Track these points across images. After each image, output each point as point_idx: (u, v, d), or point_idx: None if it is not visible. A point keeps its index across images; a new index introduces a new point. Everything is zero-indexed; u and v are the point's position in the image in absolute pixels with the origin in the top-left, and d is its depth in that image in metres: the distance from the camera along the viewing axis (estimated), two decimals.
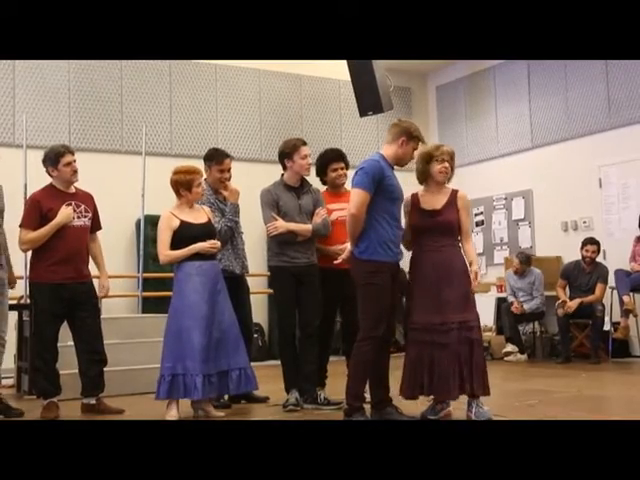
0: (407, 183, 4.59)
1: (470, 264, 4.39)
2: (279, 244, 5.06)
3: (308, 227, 5.05)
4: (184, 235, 4.72)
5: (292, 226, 5.02)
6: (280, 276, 5.10)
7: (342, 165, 5.32)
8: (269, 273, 5.47)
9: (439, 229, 4.39)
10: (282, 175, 5.21)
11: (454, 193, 4.50)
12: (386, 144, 4.42)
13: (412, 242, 4.47)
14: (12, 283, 5.41)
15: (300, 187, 5.17)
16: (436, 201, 4.45)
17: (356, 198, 4.19)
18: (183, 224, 4.73)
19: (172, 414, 4.64)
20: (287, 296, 5.06)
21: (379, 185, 4.20)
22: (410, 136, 4.35)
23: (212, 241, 4.82)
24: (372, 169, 4.21)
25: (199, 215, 4.85)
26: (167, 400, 4.69)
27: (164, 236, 4.73)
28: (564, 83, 9.06)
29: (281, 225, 5.00)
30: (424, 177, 4.50)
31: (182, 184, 4.77)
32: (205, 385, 4.58)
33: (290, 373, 5.07)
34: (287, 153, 5.14)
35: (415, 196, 4.51)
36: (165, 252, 4.73)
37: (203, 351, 4.58)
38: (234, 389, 4.81)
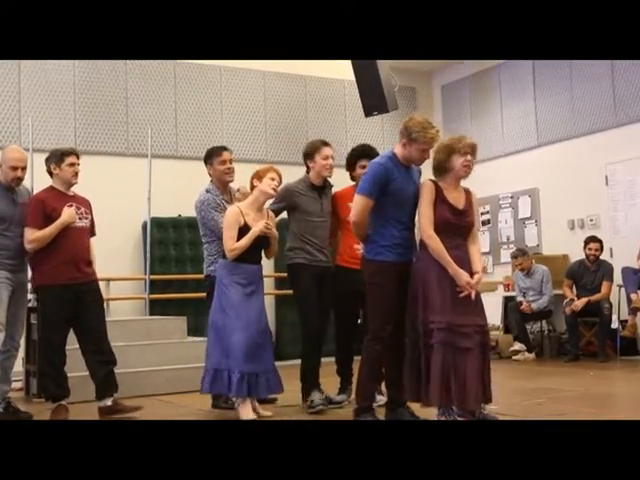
0: None
1: (475, 270, 4.11)
2: (300, 240, 5.07)
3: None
4: (240, 237, 4.67)
5: None
6: (302, 274, 5.08)
7: None
8: (289, 272, 5.27)
9: (462, 230, 4.16)
10: (307, 172, 5.22)
11: (468, 192, 4.28)
12: (397, 142, 4.24)
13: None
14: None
15: (323, 187, 5.19)
16: (457, 199, 4.18)
17: (357, 204, 4.16)
18: (245, 227, 4.65)
19: (247, 413, 4.62)
20: (311, 295, 5.03)
21: (384, 189, 4.09)
22: (409, 138, 4.11)
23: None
24: (374, 174, 4.13)
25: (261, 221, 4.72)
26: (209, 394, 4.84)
27: (232, 232, 4.63)
28: (569, 81, 9.03)
29: None
30: (442, 171, 4.19)
31: (258, 174, 4.73)
32: (242, 383, 4.55)
33: (314, 373, 5.03)
34: (308, 153, 5.19)
35: (437, 185, 4.16)
36: (232, 247, 4.62)
37: (247, 350, 4.56)
38: (263, 392, 4.76)
